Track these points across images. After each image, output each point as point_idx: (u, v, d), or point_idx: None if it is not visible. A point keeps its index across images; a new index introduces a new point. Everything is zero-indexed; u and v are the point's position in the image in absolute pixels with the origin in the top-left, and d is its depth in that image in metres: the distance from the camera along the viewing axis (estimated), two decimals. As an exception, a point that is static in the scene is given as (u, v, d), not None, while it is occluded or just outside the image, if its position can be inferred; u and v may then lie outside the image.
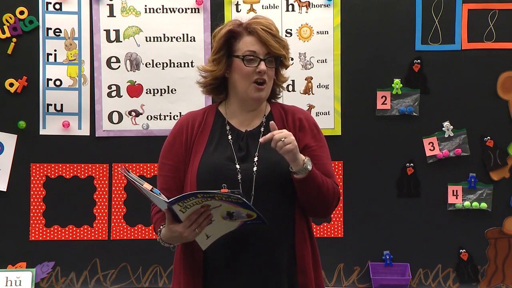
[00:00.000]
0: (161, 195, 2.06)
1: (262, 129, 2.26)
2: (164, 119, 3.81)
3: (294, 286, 2.20)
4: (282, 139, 2.06)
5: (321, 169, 2.20)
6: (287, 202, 2.18)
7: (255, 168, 2.17)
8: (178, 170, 2.25)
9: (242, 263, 2.16)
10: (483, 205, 3.83)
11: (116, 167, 3.78)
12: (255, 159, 2.18)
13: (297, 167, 2.10)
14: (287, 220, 2.19)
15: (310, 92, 3.82)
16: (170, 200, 2.01)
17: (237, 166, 2.18)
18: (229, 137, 2.25)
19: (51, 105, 3.78)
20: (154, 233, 3.78)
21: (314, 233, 2.32)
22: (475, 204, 3.82)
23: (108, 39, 3.79)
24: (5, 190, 3.77)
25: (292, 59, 3.78)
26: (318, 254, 2.27)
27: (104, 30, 3.79)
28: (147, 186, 2.05)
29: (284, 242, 2.19)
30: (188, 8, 3.81)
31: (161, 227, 2.18)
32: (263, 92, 2.23)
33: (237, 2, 3.81)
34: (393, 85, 3.82)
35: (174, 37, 3.81)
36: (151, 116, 3.81)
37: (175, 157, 2.26)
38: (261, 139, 2.10)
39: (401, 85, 3.82)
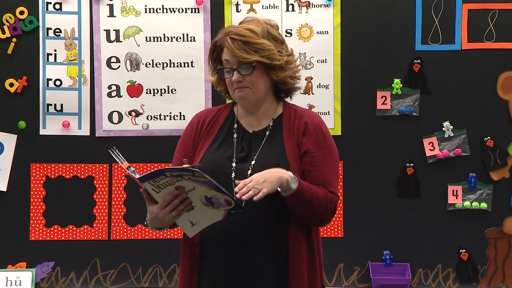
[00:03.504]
0: (134, 173, 2.06)
1: (267, 133, 2.25)
2: (164, 119, 3.81)
3: None
4: (255, 187, 2.03)
5: (319, 177, 2.18)
6: (280, 205, 2.15)
7: (250, 169, 2.17)
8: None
9: (233, 262, 2.16)
10: (483, 205, 3.83)
11: (116, 167, 3.78)
12: (253, 162, 2.19)
13: (282, 187, 2.08)
14: (279, 223, 2.17)
15: (310, 92, 3.82)
16: (140, 176, 2.02)
17: (233, 165, 2.19)
18: (235, 135, 2.26)
19: (51, 105, 3.78)
20: (154, 233, 3.80)
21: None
22: (475, 204, 3.82)
23: (108, 39, 3.79)
24: (5, 190, 3.77)
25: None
26: (317, 259, 2.24)
27: (104, 30, 3.79)
28: (125, 164, 2.09)
29: (276, 244, 2.17)
30: (188, 8, 3.81)
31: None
32: (244, 93, 2.21)
33: (237, 2, 3.80)
34: (393, 85, 3.82)
35: (174, 37, 3.81)
36: (151, 116, 3.81)
37: (183, 151, 2.30)
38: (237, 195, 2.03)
39: (401, 85, 3.82)
